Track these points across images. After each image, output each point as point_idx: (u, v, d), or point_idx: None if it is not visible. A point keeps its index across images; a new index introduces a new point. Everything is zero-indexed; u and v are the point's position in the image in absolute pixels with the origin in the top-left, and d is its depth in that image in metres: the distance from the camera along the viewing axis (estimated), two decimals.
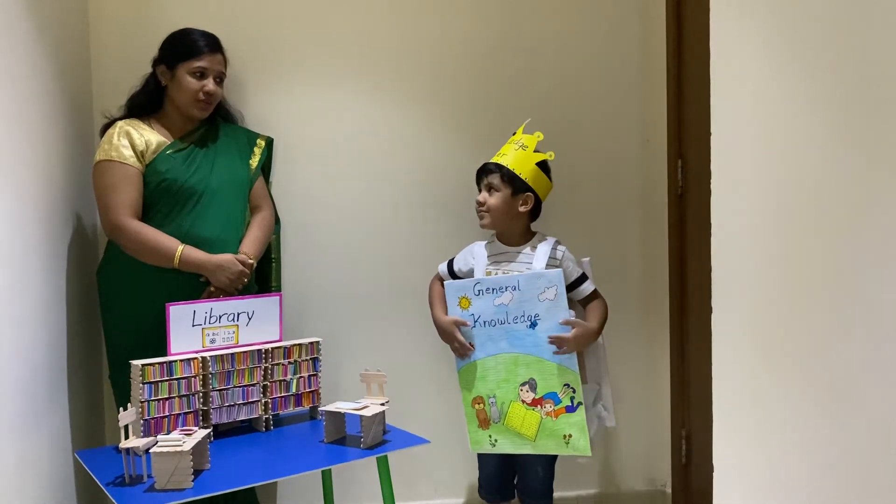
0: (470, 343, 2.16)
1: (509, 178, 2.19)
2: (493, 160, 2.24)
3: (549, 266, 2.16)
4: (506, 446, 2.17)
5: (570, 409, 2.09)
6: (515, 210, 2.22)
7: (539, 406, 2.12)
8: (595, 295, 2.23)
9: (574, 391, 2.09)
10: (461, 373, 2.20)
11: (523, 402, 2.13)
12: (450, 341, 2.20)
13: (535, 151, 2.20)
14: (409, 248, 2.65)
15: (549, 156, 2.23)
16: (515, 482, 2.33)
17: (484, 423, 2.18)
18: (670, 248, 2.67)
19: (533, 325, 2.11)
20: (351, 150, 2.62)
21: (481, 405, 2.18)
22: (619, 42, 2.73)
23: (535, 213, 2.26)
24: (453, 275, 2.30)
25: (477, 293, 2.15)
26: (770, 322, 1.42)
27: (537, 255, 2.19)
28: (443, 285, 2.26)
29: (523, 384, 2.13)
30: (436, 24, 2.64)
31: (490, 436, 2.18)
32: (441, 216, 2.66)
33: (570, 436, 2.10)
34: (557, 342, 2.09)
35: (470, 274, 2.25)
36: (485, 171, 2.25)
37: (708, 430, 1.62)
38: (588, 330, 2.13)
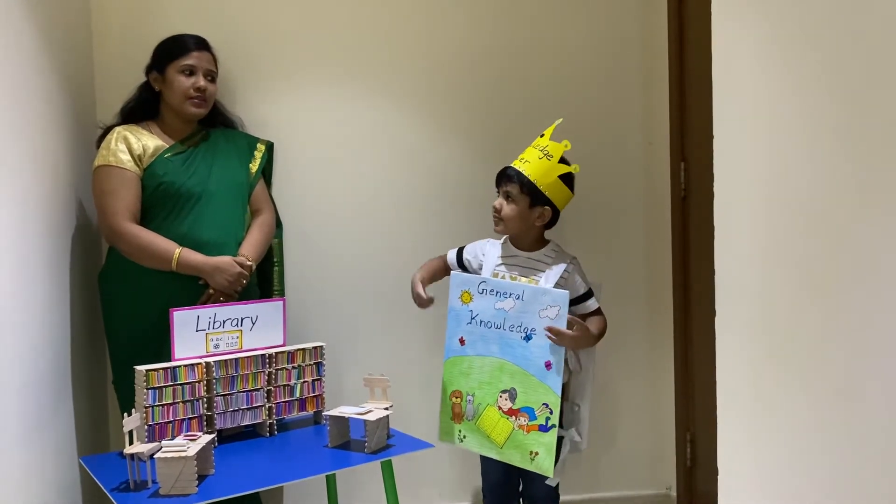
0: (461, 339, 2.14)
1: (528, 189, 2.12)
2: (515, 165, 2.15)
3: (557, 285, 2.11)
4: (472, 445, 2.16)
5: (543, 429, 2.06)
6: (530, 222, 2.17)
7: (514, 417, 2.09)
8: (597, 313, 2.20)
9: (551, 413, 2.04)
10: (447, 364, 2.19)
11: (500, 408, 2.10)
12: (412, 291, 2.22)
13: (559, 162, 2.12)
14: (413, 252, 2.64)
15: (574, 169, 2.16)
16: (521, 490, 2.33)
17: (457, 416, 2.18)
18: (673, 251, 2.66)
19: (528, 337, 2.07)
20: (352, 154, 2.63)
21: (458, 399, 2.17)
22: (622, 45, 2.73)
23: (551, 221, 2.21)
24: (461, 264, 2.28)
25: (480, 291, 2.13)
26: (774, 324, 1.41)
27: (549, 273, 2.15)
28: (446, 265, 2.29)
29: (504, 392, 2.10)
30: (437, 28, 2.65)
31: (459, 430, 2.17)
32: (444, 219, 2.66)
33: (536, 453, 2.06)
34: (555, 333, 2.01)
35: (479, 269, 2.23)
36: (504, 176, 2.17)
37: (713, 433, 1.62)
38: (588, 333, 2.09)
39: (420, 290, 2.20)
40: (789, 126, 1.36)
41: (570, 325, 2.03)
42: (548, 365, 2.05)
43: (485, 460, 2.27)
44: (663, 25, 2.65)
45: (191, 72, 2.23)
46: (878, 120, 1.14)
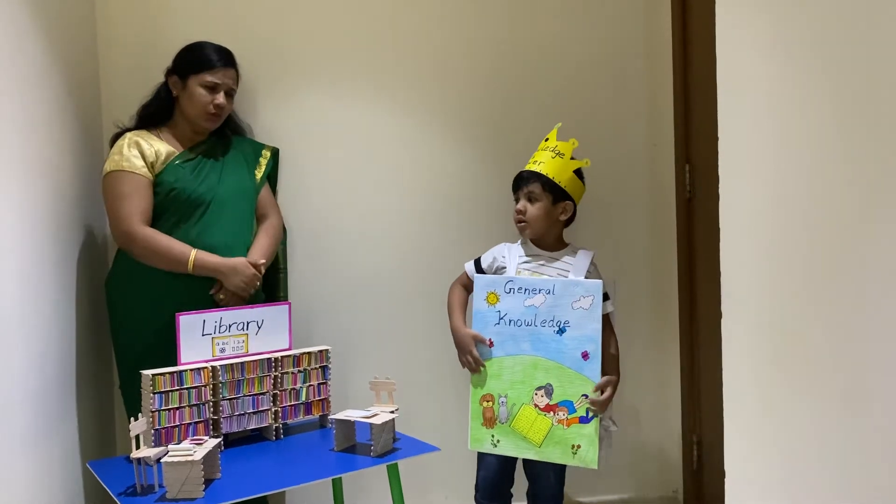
0: (489, 340, 2.14)
1: (550, 186, 2.16)
2: (529, 168, 2.20)
3: (587, 277, 2.14)
4: (508, 448, 2.14)
5: (584, 420, 2.06)
6: (555, 218, 2.21)
7: (552, 412, 2.08)
8: (608, 321, 2.19)
9: None
10: None
11: (536, 406, 2.10)
12: (463, 354, 2.18)
13: (571, 159, 2.17)
14: (418, 256, 2.66)
15: (585, 163, 2.20)
16: (526, 489, 2.32)
17: (489, 421, 2.15)
18: (679, 253, 2.66)
19: (561, 331, 2.08)
20: (358, 158, 2.63)
21: (490, 403, 2.15)
22: (626, 46, 2.73)
23: (571, 217, 2.26)
24: (480, 273, 2.27)
25: (508, 291, 2.14)
26: (780, 326, 1.41)
27: (576, 265, 2.17)
28: (466, 289, 2.26)
29: (539, 388, 2.10)
30: (441, 31, 2.65)
31: (493, 435, 2.15)
32: (449, 223, 2.66)
33: (578, 446, 2.06)
34: (594, 405, 2.05)
35: (499, 272, 2.23)
36: (523, 179, 2.21)
37: (719, 436, 1.62)
38: (617, 379, 2.12)
39: (475, 351, 2.15)
40: (794, 128, 1.35)
41: (597, 387, 2.06)
42: (585, 355, 2.06)
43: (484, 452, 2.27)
44: (667, 27, 2.65)
45: (213, 88, 2.23)
46: (884, 121, 1.14)
